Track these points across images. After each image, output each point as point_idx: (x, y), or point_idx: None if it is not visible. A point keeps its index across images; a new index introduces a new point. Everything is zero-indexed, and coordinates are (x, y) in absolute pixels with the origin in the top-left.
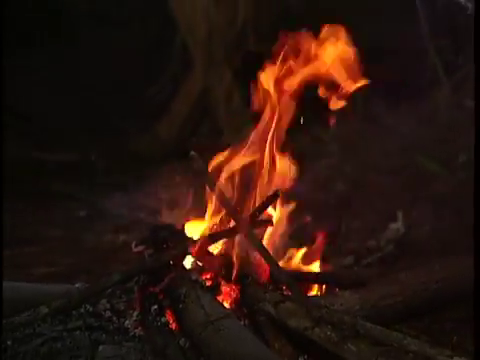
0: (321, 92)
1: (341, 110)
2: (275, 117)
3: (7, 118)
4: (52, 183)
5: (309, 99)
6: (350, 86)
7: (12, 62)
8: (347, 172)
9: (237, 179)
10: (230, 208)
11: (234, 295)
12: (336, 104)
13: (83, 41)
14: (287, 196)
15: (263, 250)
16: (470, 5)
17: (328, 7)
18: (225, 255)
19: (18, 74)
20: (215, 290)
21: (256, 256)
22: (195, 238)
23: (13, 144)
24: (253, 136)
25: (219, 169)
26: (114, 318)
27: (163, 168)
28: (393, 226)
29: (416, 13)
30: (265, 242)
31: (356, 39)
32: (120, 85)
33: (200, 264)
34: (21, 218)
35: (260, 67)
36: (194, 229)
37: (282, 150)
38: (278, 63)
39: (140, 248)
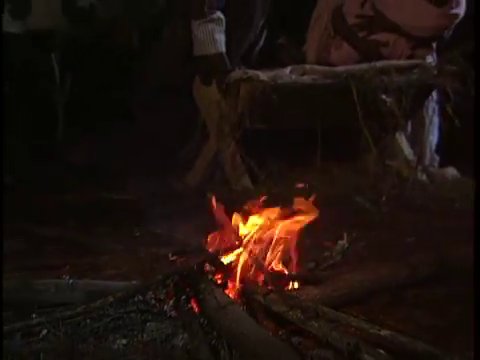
0: None
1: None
2: None
3: (81, 170)
4: (117, 214)
5: None
6: None
7: (96, 132)
8: None
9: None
10: (233, 230)
11: (237, 289)
12: None
13: (139, 122)
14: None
15: (256, 260)
16: (388, 99)
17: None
18: (231, 262)
19: (97, 139)
20: (224, 286)
21: (252, 263)
22: (211, 251)
23: (90, 188)
24: None
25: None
26: (157, 304)
27: (191, 204)
28: (340, 242)
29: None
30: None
31: None
32: (163, 150)
33: (214, 268)
34: (98, 238)
35: None
36: (210, 245)
37: None
38: None
39: (174, 258)
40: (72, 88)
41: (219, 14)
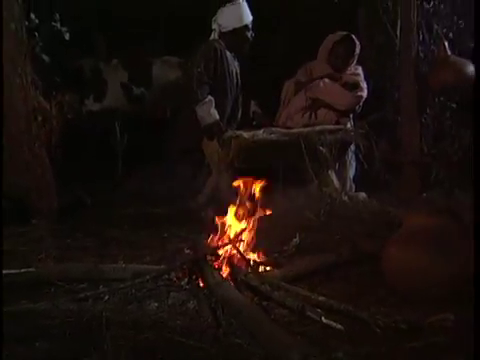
0: None
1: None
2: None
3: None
4: (153, 222)
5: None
6: None
7: (141, 170)
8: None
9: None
10: (225, 233)
11: (227, 272)
12: None
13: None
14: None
15: (240, 252)
16: (323, 150)
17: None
18: (225, 254)
19: (142, 174)
20: (220, 269)
21: (238, 255)
22: (211, 246)
23: (137, 205)
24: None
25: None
26: (177, 281)
27: (200, 215)
28: (294, 240)
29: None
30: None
31: None
32: (183, 181)
33: (213, 258)
34: (141, 237)
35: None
36: (211, 242)
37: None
38: None
39: (189, 251)
40: (127, 142)
41: (209, 97)
